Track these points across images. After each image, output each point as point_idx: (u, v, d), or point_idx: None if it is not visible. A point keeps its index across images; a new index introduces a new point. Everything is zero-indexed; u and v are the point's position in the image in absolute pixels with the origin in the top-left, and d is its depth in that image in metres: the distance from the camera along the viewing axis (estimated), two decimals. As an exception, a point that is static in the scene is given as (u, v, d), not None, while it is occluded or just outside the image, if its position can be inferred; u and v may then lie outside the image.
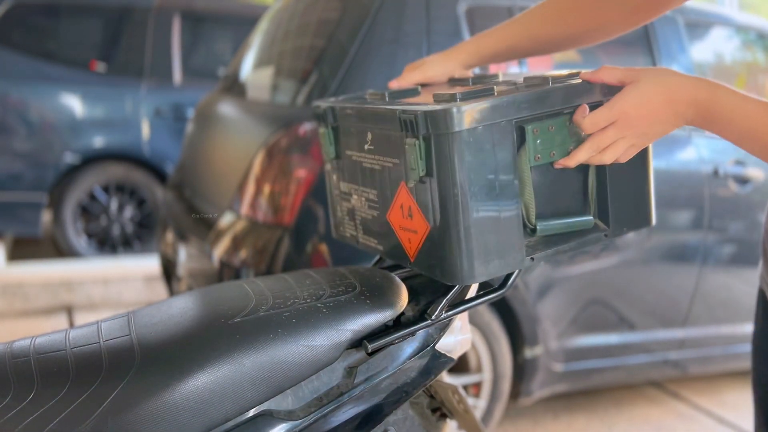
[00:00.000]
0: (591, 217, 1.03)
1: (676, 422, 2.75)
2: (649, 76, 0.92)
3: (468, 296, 1.03)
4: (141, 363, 0.82)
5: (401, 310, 0.97)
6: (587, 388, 2.79)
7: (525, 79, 1.00)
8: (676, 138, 2.52)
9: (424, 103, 0.96)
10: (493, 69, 2.19)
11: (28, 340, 0.88)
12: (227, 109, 2.64)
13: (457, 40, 2.21)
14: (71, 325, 3.51)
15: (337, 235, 1.22)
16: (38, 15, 4.36)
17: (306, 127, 2.08)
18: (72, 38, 4.47)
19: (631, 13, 1.12)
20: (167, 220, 2.90)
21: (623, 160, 0.97)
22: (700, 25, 2.74)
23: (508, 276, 1.01)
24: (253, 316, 0.90)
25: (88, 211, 4.42)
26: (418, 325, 0.97)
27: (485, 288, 1.04)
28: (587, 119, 0.93)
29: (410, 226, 0.99)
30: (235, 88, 2.81)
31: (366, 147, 1.06)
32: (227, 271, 2.13)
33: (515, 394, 2.45)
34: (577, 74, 1.00)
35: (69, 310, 3.71)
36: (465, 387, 2.36)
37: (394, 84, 1.22)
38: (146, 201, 4.48)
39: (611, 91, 0.98)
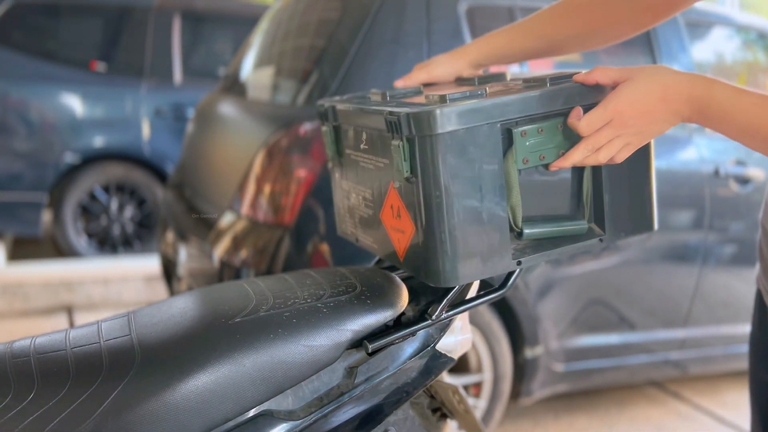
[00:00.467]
0: (584, 223, 1.02)
1: (676, 422, 2.75)
2: (643, 74, 0.91)
3: (468, 296, 1.03)
4: (141, 363, 0.82)
5: (402, 310, 0.97)
6: (588, 388, 2.79)
7: (524, 80, 1.00)
8: (676, 138, 2.52)
9: (412, 104, 0.96)
10: (492, 69, 2.19)
11: (28, 340, 0.88)
12: (227, 109, 2.64)
13: (457, 40, 2.21)
14: (71, 325, 3.51)
15: (340, 231, 1.22)
16: (38, 15, 4.36)
17: (306, 127, 2.08)
18: (72, 38, 4.47)
19: (641, 13, 1.12)
20: (167, 220, 2.90)
21: (618, 159, 0.96)
22: (700, 24, 2.74)
23: (509, 276, 1.00)
24: (253, 316, 0.90)
25: (88, 211, 4.42)
26: (419, 325, 0.97)
27: (486, 288, 1.04)
28: (582, 121, 0.93)
29: (399, 227, 0.99)
30: (235, 88, 2.81)
31: (362, 146, 1.06)
32: (227, 271, 2.13)
33: (516, 394, 2.45)
34: (576, 74, 1.00)
35: (69, 310, 3.71)
36: (465, 387, 2.35)
37: (400, 83, 1.22)
38: (146, 201, 4.48)
39: (605, 91, 0.97)
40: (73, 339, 0.87)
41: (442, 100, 0.91)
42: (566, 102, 0.95)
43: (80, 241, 4.38)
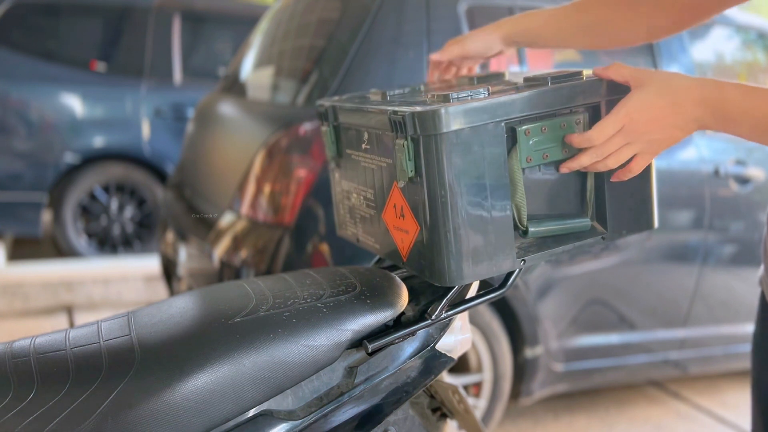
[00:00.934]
0: (588, 220, 1.02)
1: (676, 422, 2.75)
2: (655, 80, 0.91)
3: (468, 296, 1.03)
4: (141, 363, 0.82)
5: (401, 310, 0.97)
6: (588, 388, 2.79)
7: (525, 79, 1.00)
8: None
9: (416, 103, 0.96)
10: (493, 67, 2.18)
11: (28, 340, 0.88)
12: (227, 109, 2.64)
13: (457, 39, 2.21)
14: (71, 325, 3.51)
15: (340, 232, 1.22)
16: (38, 15, 4.36)
17: (306, 127, 2.08)
18: (72, 38, 4.47)
19: (684, 11, 1.11)
20: (167, 220, 2.90)
21: (637, 169, 0.96)
22: (700, 24, 2.74)
23: (509, 276, 1.00)
24: (253, 316, 0.90)
25: (88, 211, 4.42)
26: (419, 325, 0.97)
27: (485, 288, 1.04)
28: (594, 129, 0.92)
29: (403, 226, 0.99)
30: (235, 88, 2.81)
31: (363, 146, 1.06)
32: (227, 271, 2.13)
33: (516, 394, 2.45)
34: (578, 74, 1.00)
35: (69, 310, 3.71)
36: (465, 387, 2.36)
37: (436, 56, 1.23)
38: (146, 201, 4.48)
39: (610, 91, 0.97)
40: (73, 339, 0.87)
41: (446, 99, 0.91)
42: (569, 101, 0.95)
43: (80, 241, 4.38)
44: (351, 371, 0.94)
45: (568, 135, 0.95)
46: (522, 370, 2.38)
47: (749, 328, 2.73)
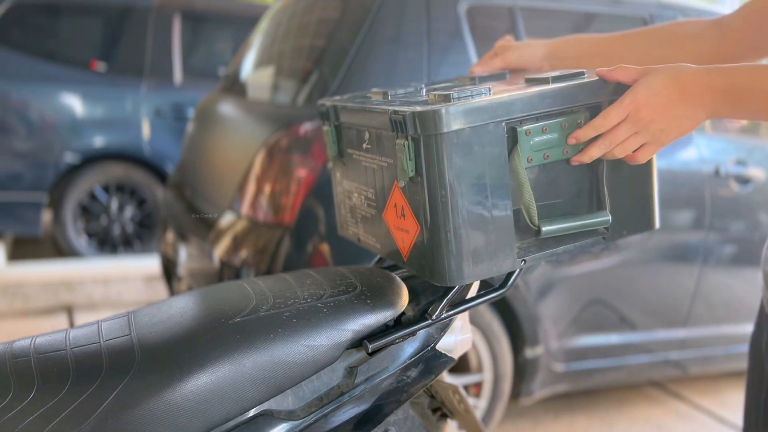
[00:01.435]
0: (608, 214, 1.01)
1: (676, 422, 2.75)
2: (660, 70, 0.91)
3: (468, 296, 1.03)
4: (141, 363, 0.82)
5: (402, 310, 0.97)
6: (588, 388, 2.79)
7: (527, 79, 1.00)
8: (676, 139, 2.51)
9: (417, 103, 0.96)
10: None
11: (28, 340, 0.88)
12: (227, 108, 2.64)
13: (457, 40, 2.21)
14: (71, 325, 3.51)
15: (341, 232, 1.22)
16: (38, 15, 4.36)
17: (306, 127, 2.08)
18: (72, 38, 4.47)
19: (725, 57, 1.12)
20: (167, 219, 2.90)
21: (642, 159, 0.96)
22: None
23: (509, 276, 1.00)
24: (253, 316, 0.90)
25: (88, 211, 4.42)
26: (419, 325, 0.97)
27: (486, 288, 1.04)
28: (599, 117, 0.93)
29: (403, 226, 0.99)
30: (235, 87, 2.81)
31: (364, 146, 1.06)
32: (228, 271, 2.13)
33: (516, 394, 2.45)
34: (580, 74, 0.99)
35: (69, 310, 3.71)
36: (465, 387, 2.35)
37: (478, 70, 1.25)
38: (146, 201, 4.48)
39: (612, 91, 0.97)
40: (73, 339, 0.87)
41: (447, 98, 0.91)
42: (570, 101, 0.95)
43: (80, 241, 4.38)
44: (351, 371, 0.94)
45: (572, 133, 0.95)
46: (522, 370, 2.38)
47: (749, 328, 2.73)
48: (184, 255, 2.53)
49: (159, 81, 4.49)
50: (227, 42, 4.86)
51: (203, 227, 2.40)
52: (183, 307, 0.93)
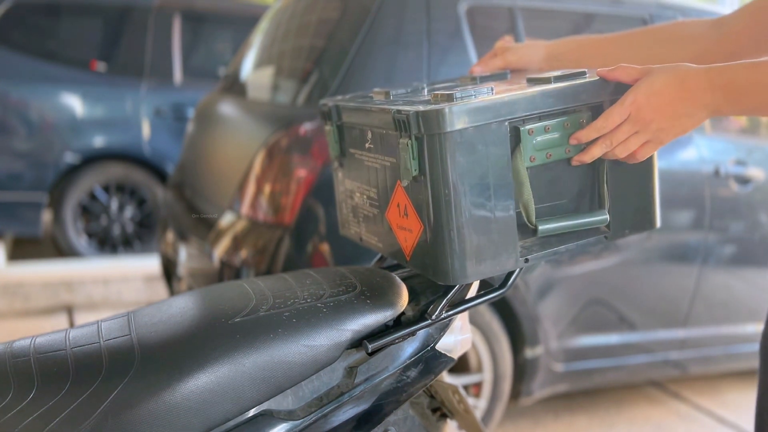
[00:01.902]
0: (605, 213, 1.02)
1: (676, 422, 2.75)
2: (660, 69, 0.91)
3: (468, 296, 1.03)
4: (141, 363, 0.82)
5: (401, 310, 0.97)
6: (588, 388, 2.79)
7: (529, 78, 1.00)
8: (676, 138, 2.51)
9: (420, 102, 0.96)
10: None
11: (28, 340, 0.88)
12: (227, 109, 2.64)
13: (457, 40, 2.21)
14: (71, 325, 3.51)
15: (343, 231, 1.22)
16: (38, 15, 4.36)
17: (306, 127, 2.08)
18: (72, 38, 4.47)
19: (723, 58, 1.12)
20: (167, 219, 2.90)
21: (641, 157, 0.96)
22: None
23: (509, 275, 1.00)
24: (253, 315, 0.90)
25: (88, 211, 4.42)
26: (419, 325, 0.97)
27: (485, 288, 1.04)
28: (601, 118, 0.93)
29: (406, 225, 0.99)
30: (235, 87, 2.81)
31: (367, 145, 1.06)
32: (227, 271, 2.13)
33: (516, 394, 2.45)
34: (582, 73, 1.00)
35: (69, 310, 3.71)
36: (465, 387, 2.35)
37: (478, 69, 1.25)
38: (146, 201, 4.48)
39: (614, 91, 0.97)
40: (73, 339, 0.87)
41: (450, 98, 0.91)
42: (572, 100, 0.95)
43: (80, 241, 4.38)
44: (351, 371, 0.94)
45: (573, 134, 0.96)
46: (522, 370, 2.38)
47: (749, 328, 2.73)
48: (184, 255, 2.53)
49: (159, 81, 4.49)
50: (227, 42, 4.86)
51: (203, 227, 2.40)
52: (183, 307, 0.94)
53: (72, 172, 4.32)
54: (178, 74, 4.55)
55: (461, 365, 2.36)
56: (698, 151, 2.52)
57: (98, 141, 4.35)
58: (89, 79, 4.39)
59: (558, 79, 0.96)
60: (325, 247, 2.04)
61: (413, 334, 0.98)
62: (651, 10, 2.51)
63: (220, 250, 2.17)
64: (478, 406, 2.36)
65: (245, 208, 2.17)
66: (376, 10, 2.16)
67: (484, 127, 0.90)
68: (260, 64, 2.68)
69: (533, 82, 0.98)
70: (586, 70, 1.02)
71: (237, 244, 2.13)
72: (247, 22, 4.52)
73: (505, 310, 2.31)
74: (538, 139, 0.94)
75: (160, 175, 4.46)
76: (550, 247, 0.99)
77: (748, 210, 2.60)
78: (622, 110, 0.92)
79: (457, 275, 0.93)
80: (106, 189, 4.42)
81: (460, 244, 0.91)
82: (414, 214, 0.97)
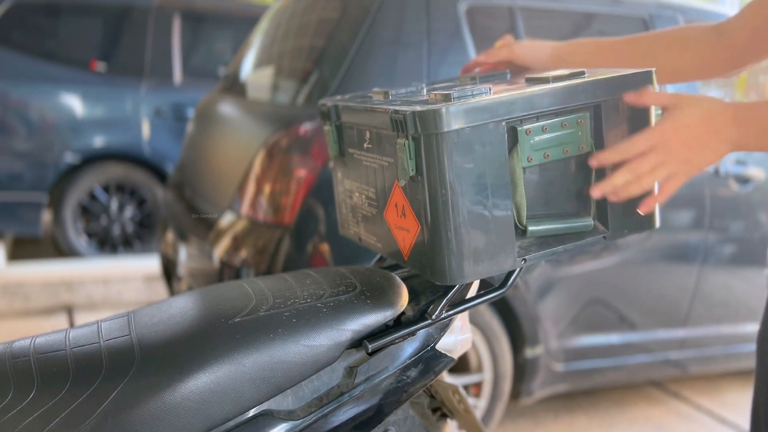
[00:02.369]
0: (590, 220, 1.02)
1: (676, 422, 2.75)
2: (690, 103, 0.93)
3: (468, 296, 1.03)
4: (141, 363, 0.82)
5: (402, 310, 0.97)
6: (588, 388, 2.79)
7: (527, 78, 1.00)
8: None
9: (417, 102, 0.96)
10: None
11: (28, 340, 0.88)
12: (227, 109, 2.64)
13: (457, 40, 2.21)
14: (71, 325, 3.51)
15: (342, 231, 1.22)
16: (38, 15, 4.36)
17: (306, 127, 2.08)
18: (72, 38, 4.47)
19: (726, 61, 1.15)
20: (167, 219, 2.90)
21: (669, 192, 0.96)
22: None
23: (509, 275, 1.00)
24: (253, 315, 0.90)
25: (88, 211, 4.42)
26: (419, 325, 0.97)
27: (485, 287, 1.04)
28: (626, 142, 0.93)
29: (404, 225, 0.99)
30: (235, 87, 2.81)
31: (365, 145, 1.06)
32: (227, 271, 2.13)
33: (516, 394, 2.45)
34: (581, 73, 0.99)
35: (69, 310, 3.71)
36: (465, 387, 2.35)
37: (482, 58, 1.25)
38: (146, 201, 4.48)
39: (612, 90, 0.97)
40: (73, 339, 0.87)
41: (447, 98, 0.91)
42: (570, 100, 0.95)
43: (80, 241, 4.38)
44: (351, 371, 0.94)
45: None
46: (522, 370, 2.38)
47: (749, 328, 2.73)
48: (184, 255, 2.53)
49: (159, 81, 4.49)
50: (227, 42, 4.86)
51: (203, 227, 2.40)
52: (183, 307, 0.93)
53: (72, 172, 4.32)
54: (178, 74, 4.55)
55: (461, 365, 2.36)
56: (698, 150, 2.52)
57: (98, 141, 4.35)
58: (89, 79, 4.39)
59: (556, 79, 0.96)
60: (325, 247, 2.04)
61: (413, 334, 0.98)
62: (651, 10, 2.51)
63: (220, 250, 2.17)
64: (478, 406, 2.36)
65: (245, 208, 2.17)
66: (376, 10, 2.16)
67: (481, 127, 0.90)
68: (260, 64, 2.68)
69: (532, 81, 0.98)
70: (585, 69, 1.01)
71: (237, 244, 2.13)
72: (247, 22, 4.52)
73: (505, 310, 2.31)
74: (536, 139, 0.94)
75: (160, 175, 4.46)
76: (548, 248, 0.99)
77: (748, 210, 2.60)
78: (649, 137, 0.92)
79: (455, 275, 0.93)
80: (106, 189, 4.42)
81: (457, 244, 0.91)
82: (411, 214, 0.97)
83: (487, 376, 2.34)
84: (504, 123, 0.91)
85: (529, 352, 2.35)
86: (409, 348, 0.99)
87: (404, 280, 1.06)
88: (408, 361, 0.98)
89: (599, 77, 0.97)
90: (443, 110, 0.87)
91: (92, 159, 4.35)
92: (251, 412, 0.87)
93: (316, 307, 0.92)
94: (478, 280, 1.04)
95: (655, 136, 0.92)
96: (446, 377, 1.22)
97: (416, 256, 0.99)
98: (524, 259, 0.97)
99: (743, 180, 2.57)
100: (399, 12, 2.17)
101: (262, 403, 0.87)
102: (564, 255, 1.02)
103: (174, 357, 0.83)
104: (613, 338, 2.50)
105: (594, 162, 0.95)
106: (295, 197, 2.04)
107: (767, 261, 1.09)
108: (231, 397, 0.83)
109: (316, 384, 0.92)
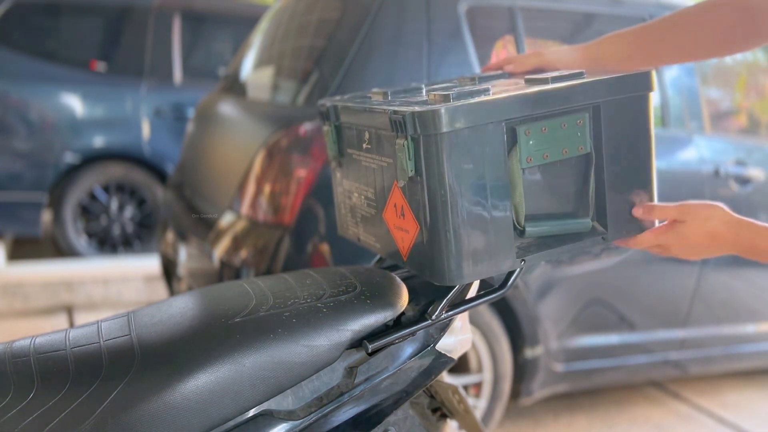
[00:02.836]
0: (588, 221, 1.02)
1: (676, 423, 2.75)
2: (696, 218, 1.01)
3: (468, 296, 1.03)
4: (141, 363, 0.82)
5: (401, 310, 0.97)
6: (588, 389, 2.79)
7: (527, 79, 1.00)
8: (676, 138, 2.52)
9: (416, 102, 0.96)
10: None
11: (28, 340, 0.88)
12: (227, 108, 2.64)
13: (457, 40, 2.21)
14: (71, 325, 3.51)
15: (341, 232, 1.22)
16: (38, 15, 4.36)
17: (306, 127, 2.08)
18: (72, 38, 4.47)
19: (735, 41, 1.16)
20: (167, 219, 2.90)
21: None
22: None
23: (509, 276, 1.00)
24: (253, 316, 0.90)
25: (88, 211, 4.42)
26: (419, 325, 0.97)
27: (486, 288, 1.04)
28: (635, 238, 1.06)
29: (403, 226, 0.99)
30: (235, 87, 2.81)
31: (364, 146, 1.06)
32: (227, 271, 2.13)
33: (516, 394, 2.45)
34: (580, 74, 0.99)
35: (69, 310, 3.71)
36: (465, 387, 2.35)
37: (510, 68, 1.24)
38: (146, 201, 4.48)
39: (612, 91, 0.97)
40: (73, 339, 0.87)
41: (446, 98, 0.91)
42: (569, 101, 0.95)
43: (80, 241, 4.38)
44: (351, 371, 0.94)
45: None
46: (522, 371, 2.38)
47: (749, 328, 2.73)
48: (184, 255, 2.53)
49: (159, 81, 4.49)
50: (227, 42, 4.86)
51: (203, 227, 2.40)
52: (183, 307, 0.93)
53: (72, 172, 4.32)
54: (178, 74, 4.55)
55: (461, 365, 2.36)
56: (698, 151, 2.52)
57: (98, 141, 4.35)
58: (89, 79, 4.39)
59: (555, 79, 0.96)
60: (325, 247, 2.04)
61: (413, 334, 0.98)
62: (651, 9, 2.51)
63: (220, 250, 2.17)
64: (478, 406, 2.36)
65: (245, 208, 2.17)
66: (376, 10, 2.16)
67: (480, 128, 0.90)
68: (260, 64, 2.68)
69: (531, 82, 0.98)
70: (584, 70, 1.02)
71: (237, 244, 2.13)
72: (247, 22, 4.51)
73: (505, 310, 2.31)
74: (535, 139, 0.94)
75: (160, 175, 4.46)
76: (547, 248, 0.99)
77: (748, 210, 2.60)
78: (653, 241, 1.04)
79: (453, 276, 0.93)
80: (106, 189, 4.42)
81: (456, 245, 0.91)
82: (410, 214, 0.96)
83: (487, 376, 2.34)
84: (503, 124, 0.91)
85: (529, 353, 2.35)
86: (409, 348, 0.99)
87: (404, 280, 1.06)
88: (408, 362, 0.98)
89: (598, 78, 0.97)
90: (442, 111, 0.87)
91: (92, 159, 4.35)
92: (251, 412, 0.87)
93: (316, 307, 0.92)
94: (479, 281, 1.04)
95: (660, 240, 1.04)
96: (446, 377, 1.22)
97: (415, 257, 0.99)
98: (523, 260, 0.97)
99: (743, 180, 2.57)
100: (399, 12, 2.17)
101: (262, 403, 0.87)
102: (564, 255, 1.02)
103: (174, 357, 0.83)
104: (613, 338, 2.50)
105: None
106: (295, 197, 2.04)
107: None
108: (231, 397, 0.83)
109: (316, 384, 0.92)
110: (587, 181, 1.02)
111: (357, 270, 1.06)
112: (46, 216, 4.50)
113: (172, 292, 2.94)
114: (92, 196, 4.41)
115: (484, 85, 0.99)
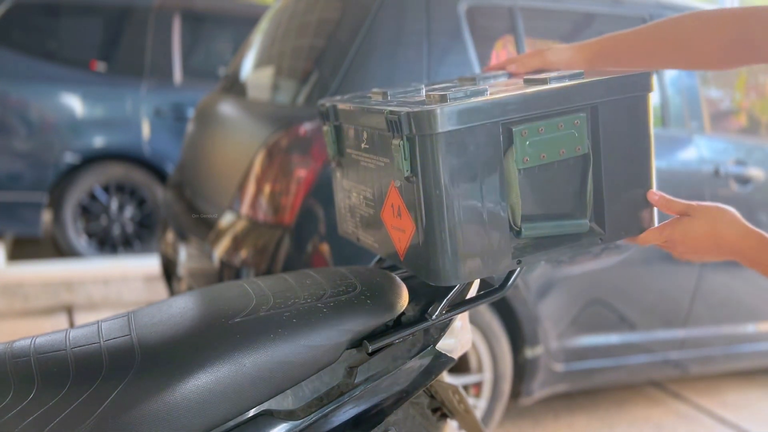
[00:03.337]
0: (586, 221, 1.02)
1: (677, 423, 2.75)
2: (704, 217, 1.01)
3: (468, 296, 1.03)
4: (141, 363, 0.82)
5: (402, 310, 0.97)
6: (588, 388, 2.79)
7: (525, 79, 1.00)
8: (676, 138, 2.52)
9: (413, 103, 0.96)
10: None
11: (28, 340, 0.88)
12: (227, 108, 2.64)
13: (457, 40, 2.21)
14: (71, 325, 3.51)
15: (341, 231, 1.22)
16: (38, 15, 4.36)
17: (306, 127, 2.08)
18: (72, 38, 4.47)
19: (737, 55, 1.13)
20: (167, 219, 2.90)
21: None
22: None
23: (509, 276, 1.00)
24: (253, 316, 0.90)
25: (88, 211, 4.42)
26: (419, 326, 0.97)
27: (485, 288, 1.04)
28: (641, 235, 1.06)
29: (400, 225, 0.99)
30: (235, 87, 2.81)
31: (362, 146, 1.06)
32: (227, 271, 2.13)
33: (516, 394, 2.45)
34: (578, 74, 0.99)
35: (69, 310, 3.71)
36: (465, 387, 2.35)
37: (513, 69, 1.23)
38: (146, 201, 4.48)
39: (609, 92, 0.97)
40: (73, 339, 0.87)
41: (443, 99, 0.90)
42: (566, 101, 0.95)
43: (80, 241, 4.38)
44: (351, 371, 0.94)
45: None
46: (522, 370, 2.38)
47: (749, 328, 2.73)
48: (184, 255, 2.53)
49: (159, 81, 4.49)
50: (227, 42, 4.86)
51: (203, 227, 2.40)
52: (183, 307, 0.93)
53: (72, 172, 4.32)
54: (178, 74, 4.55)
55: (461, 365, 2.36)
56: (698, 151, 2.52)
57: (98, 141, 4.35)
58: (89, 79, 4.39)
59: (553, 80, 0.96)
60: (325, 247, 2.04)
61: (413, 334, 0.98)
62: (651, 9, 2.51)
63: (220, 250, 2.17)
64: (478, 406, 2.36)
65: (245, 208, 2.17)
66: (376, 10, 2.16)
67: (476, 128, 0.89)
68: (260, 64, 2.68)
69: (529, 82, 0.98)
70: (582, 71, 1.01)
71: (237, 244, 2.13)
72: (247, 22, 4.51)
73: (505, 310, 2.31)
74: (532, 140, 0.94)
75: (160, 175, 4.46)
76: (544, 249, 0.98)
77: (748, 210, 2.60)
78: (658, 237, 1.04)
79: (449, 276, 0.93)
80: (106, 189, 4.42)
81: (451, 245, 0.91)
82: (407, 214, 0.96)
83: (487, 376, 2.34)
84: (499, 124, 0.91)
85: (529, 353, 2.35)
86: (409, 348, 0.99)
87: (404, 280, 1.06)
88: (408, 362, 0.98)
89: (596, 79, 0.97)
90: (438, 111, 0.87)
91: (92, 159, 4.35)
92: (251, 412, 0.87)
93: (317, 307, 0.92)
94: (478, 281, 1.04)
95: (664, 236, 1.03)
96: (446, 377, 1.22)
97: (412, 257, 0.99)
98: (519, 261, 0.97)
99: (743, 180, 2.57)
100: (399, 12, 2.17)
101: (262, 403, 0.87)
102: (561, 256, 1.02)
103: (174, 357, 0.83)
104: (613, 338, 2.50)
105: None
106: (295, 197, 2.04)
107: None
108: (231, 397, 0.83)
109: (316, 384, 0.92)
110: (585, 182, 1.01)
111: (357, 270, 1.06)
112: (46, 216, 4.50)
113: (172, 292, 2.94)
114: (92, 196, 4.41)
115: (482, 86, 0.99)
